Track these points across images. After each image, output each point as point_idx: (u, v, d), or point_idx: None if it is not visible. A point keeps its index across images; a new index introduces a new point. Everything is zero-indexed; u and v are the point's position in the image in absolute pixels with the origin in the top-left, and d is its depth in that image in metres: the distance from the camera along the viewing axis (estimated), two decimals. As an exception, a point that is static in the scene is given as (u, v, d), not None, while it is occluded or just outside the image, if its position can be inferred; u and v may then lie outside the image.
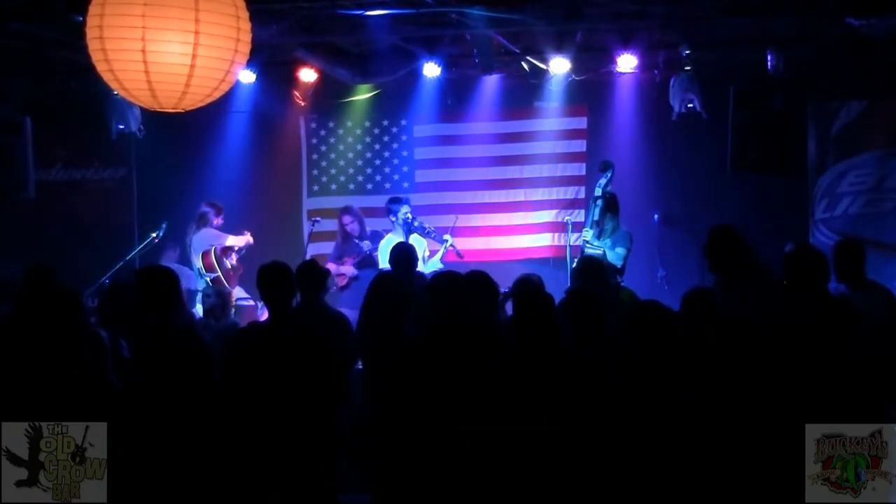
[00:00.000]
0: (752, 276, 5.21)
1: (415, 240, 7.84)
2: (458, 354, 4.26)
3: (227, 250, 8.30)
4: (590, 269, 5.82)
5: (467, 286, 4.76)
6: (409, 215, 7.93)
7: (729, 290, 5.01)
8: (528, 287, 5.22)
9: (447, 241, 8.04)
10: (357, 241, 8.14)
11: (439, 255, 8.09)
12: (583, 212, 9.06)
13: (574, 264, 6.99)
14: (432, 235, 8.07)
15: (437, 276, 4.96)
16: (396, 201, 8.14)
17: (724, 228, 5.34)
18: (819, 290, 4.76)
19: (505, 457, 4.08)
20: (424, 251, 8.07)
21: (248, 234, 8.40)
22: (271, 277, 4.75)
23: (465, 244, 8.68)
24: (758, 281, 5.16)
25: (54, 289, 4.71)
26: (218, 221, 8.40)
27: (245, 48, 5.15)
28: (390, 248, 6.74)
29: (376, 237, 8.16)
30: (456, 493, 4.11)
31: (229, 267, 8.24)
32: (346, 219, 8.29)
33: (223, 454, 4.42)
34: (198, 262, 8.24)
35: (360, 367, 5.73)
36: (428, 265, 7.94)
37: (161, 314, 4.47)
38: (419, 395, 4.25)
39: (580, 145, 9.55)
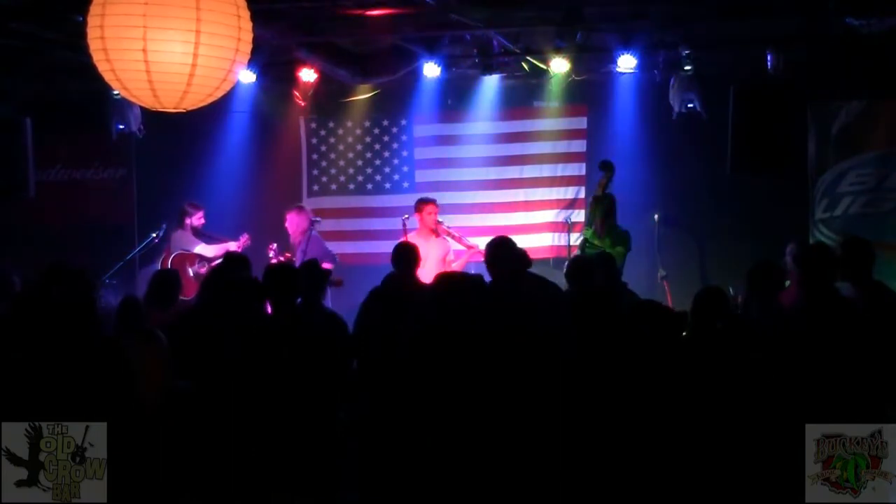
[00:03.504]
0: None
1: (439, 241, 8.00)
2: (456, 354, 4.26)
3: (197, 257, 8.23)
4: (578, 269, 5.80)
5: (467, 286, 4.76)
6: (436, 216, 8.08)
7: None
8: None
9: (474, 244, 8.05)
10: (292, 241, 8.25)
11: (465, 258, 8.10)
12: (583, 212, 9.06)
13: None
14: (457, 237, 8.13)
15: (439, 276, 4.96)
16: (425, 202, 8.19)
17: (501, 239, 5.54)
18: (828, 289, 4.78)
19: (502, 457, 4.08)
20: (449, 253, 8.16)
21: (243, 238, 8.27)
22: (278, 277, 4.77)
23: (466, 244, 8.69)
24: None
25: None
26: (194, 222, 8.33)
27: (246, 48, 5.15)
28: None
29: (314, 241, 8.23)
30: (448, 491, 4.12)
31: (191, 275, 8.12)
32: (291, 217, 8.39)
33: (225, 452, 4.42)
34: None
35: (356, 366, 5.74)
36: (452, 267, 7.98)
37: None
38: (415, 394, 4.25)
39: (580, 145, 9.54)
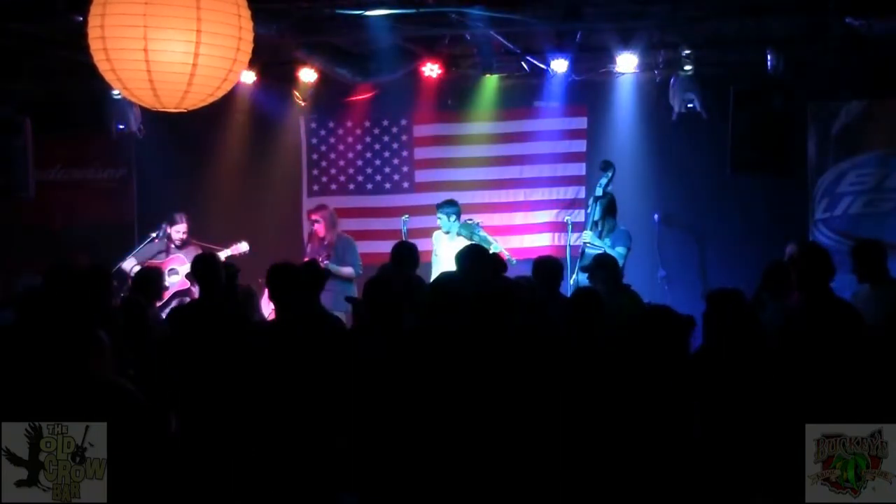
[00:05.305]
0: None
1: (462, 242, 8.01)
2: (455, 351, 4.27)
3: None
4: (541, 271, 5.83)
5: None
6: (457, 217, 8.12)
7: None
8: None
9: (497, 247, 8.02)
10: (322, 242, 8.15)
11: None
12: (583, 212, 9.06)
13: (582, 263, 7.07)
14: (480, 237, 8.12)
15: (440, 275, 4.98)
16: (452, 204, 8.15)
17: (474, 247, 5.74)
18: (824, 289, 4.78)
19: (499, 457, 4.08)
20: None
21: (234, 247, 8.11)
22: (282, 278, 4.77)
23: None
24: None
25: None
26: (172, 234, 8.12)
27: (247, 47, 5.15)
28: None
29: (345, 243, 8.18)
30: (448, 491, 4.11)
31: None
32: (315, 216, 8.30)
33: (225, 452, 4.43)
34: None
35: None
36: None
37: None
38: (413, 392, 4.25)
39: (580, 145, 9.55)
